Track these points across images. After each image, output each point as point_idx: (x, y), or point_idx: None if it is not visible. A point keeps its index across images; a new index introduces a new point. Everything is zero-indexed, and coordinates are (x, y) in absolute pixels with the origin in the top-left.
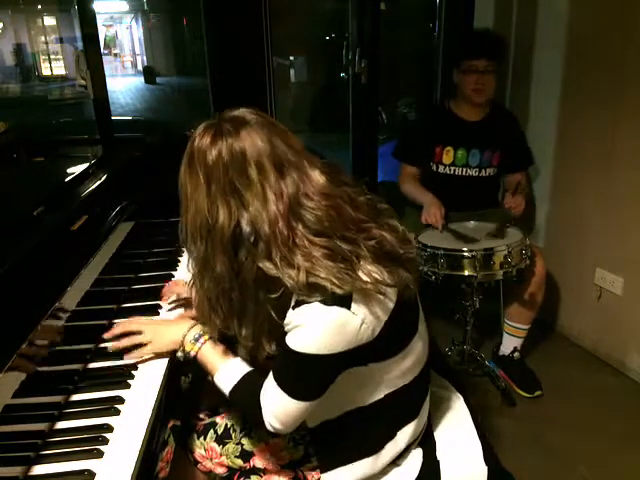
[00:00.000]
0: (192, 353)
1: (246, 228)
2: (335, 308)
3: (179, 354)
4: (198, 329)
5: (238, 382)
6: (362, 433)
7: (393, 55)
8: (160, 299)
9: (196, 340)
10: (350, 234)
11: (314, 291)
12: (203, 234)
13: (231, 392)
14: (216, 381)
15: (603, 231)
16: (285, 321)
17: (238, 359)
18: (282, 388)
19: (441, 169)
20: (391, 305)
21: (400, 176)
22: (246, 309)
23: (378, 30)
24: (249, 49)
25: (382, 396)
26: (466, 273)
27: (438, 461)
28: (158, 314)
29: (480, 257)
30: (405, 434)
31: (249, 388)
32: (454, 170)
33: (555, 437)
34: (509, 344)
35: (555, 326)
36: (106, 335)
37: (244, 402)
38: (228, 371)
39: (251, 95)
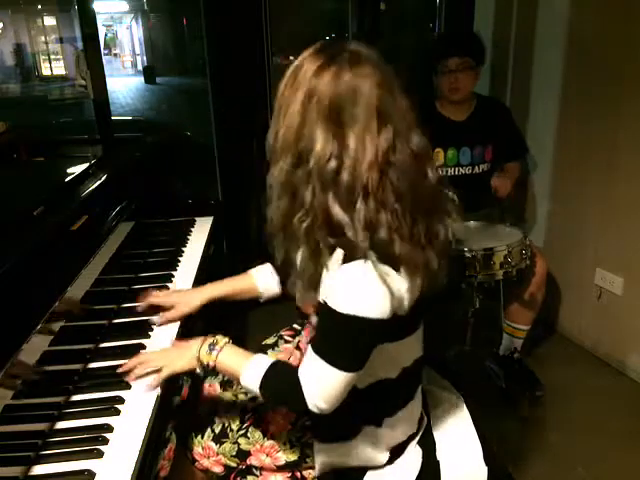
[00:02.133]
0: (211, 363)
1: (333, 164)
2: (386, 267)
3: (198, 370)
4: (210, 340)
5: (266, 373)
6: (350, 413)
7: (393, 55)
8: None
9: (211, 350)
10: (418, 213)
11: (368, 249)
12: (295, 153)
13: (262, 385)
14: (242, 382)
15: (603, 231)
16: (330, 278)
17: (259, 354)
18: (324, 358)
19: None
20: (419, 283)
21: None
22: (308, 242)
23: (378, 30)
24: (249, 49)
25: (372, 381)
26: (466, 273)
27: (438, 461)
28: (158, 314)
29: (480, 257)
30: (392, 423)
31: (282, 374)
32: (446, 171)
33: (555, 437)
34: (509, 344)
35: (555, 326)
36: (120, 370)
37: (280, 390)
38: (252, 367)
39: (251, 95)
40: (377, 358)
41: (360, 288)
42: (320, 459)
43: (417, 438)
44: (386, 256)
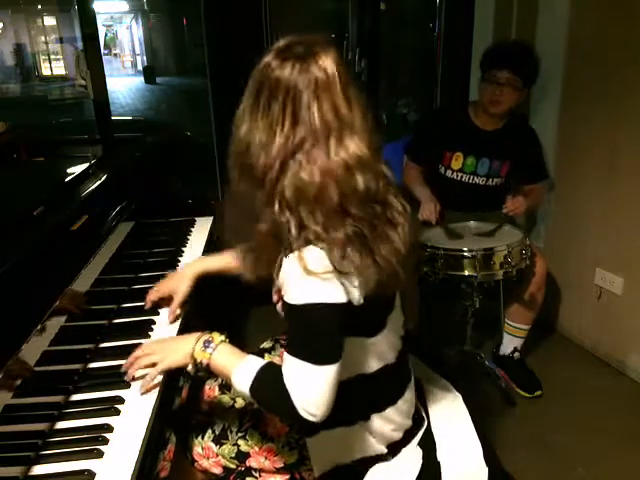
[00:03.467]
0: (204, 361)
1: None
2: (334, 249)
3: (190, 368)
4: (206, 336)
5: (256, 376)
6: (345, 403)
7: (393, 55)
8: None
9: (206, 347)
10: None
11: (307, 242)
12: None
13: (252, 388)
14: (234, 383)
15: (603, 231)
16: (280, 274)
17: (252, 356)
18: (300, 356)
19: (449, 174)
20: (375, 277)
21: (405, 172)
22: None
23: (378, 30)
24: (249, 49)
25: (351, 376)
26: (466, 273)
27: (439, 462)
28: (158, 314)
29: (480, 257)
30: (382, 419)
31: (271, 380)
32: (461, 176)
33: (555, 437)
34: (509, 344)
35: (555, 326)
36: (123, 368)
37: (269, 395)
38: (244, 368)
39: None
40: (358, 353)
41: (306, 275)
42: (315, 455)
43: (417, 439)
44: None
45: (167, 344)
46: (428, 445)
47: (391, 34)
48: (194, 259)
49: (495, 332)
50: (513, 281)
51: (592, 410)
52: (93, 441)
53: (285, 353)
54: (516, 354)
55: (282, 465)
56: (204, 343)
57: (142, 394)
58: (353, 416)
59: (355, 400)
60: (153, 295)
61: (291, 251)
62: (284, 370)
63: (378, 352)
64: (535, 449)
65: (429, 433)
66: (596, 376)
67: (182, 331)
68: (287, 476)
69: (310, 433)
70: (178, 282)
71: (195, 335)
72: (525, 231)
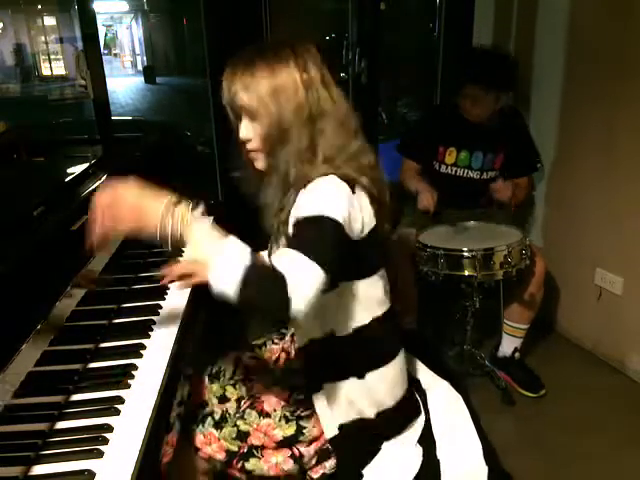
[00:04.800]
0: (172, 231)
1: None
2: (344, 184)
3: (157, 232)
4: (184, 205)
5: (248, 268)
6: (333, 361)
7: (393, 55)
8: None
9: (171, 212)
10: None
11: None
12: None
13: (242, 282)
14: (215, 274)
15: (603, 231)
16: (298, 201)
17: (235, 241)
18: (305, 252)
19: (443, 169)
20: (374, 222)
21: (401, 169)
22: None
23: (378, 30)
24: None
25: (350, 331)
26: (466, 273)
27: (438, 460)
28: (158, 314)
29: (480, 257)
30: (376, 378)
31: (263, 269)
32: (456, 171)
33: (555, 437)
34: (509, 345)
35: (555, 326)
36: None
37: (262, 287)
38: (229, 260)
39: None
40: (350, 300)
41: (321, 192)
42: (321, 411)
43: (417, 436)
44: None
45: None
46: (428, 443)
47: (391, 34)
48: None
49: (495, 332)
50: (513, 281)
51: (592, 410)
52: (93, 441)
53: (281, 248)
54: (516, 354)
55: (281, 438)
56: (182, 210)
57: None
58: (348, 371)
59: (350, 355)
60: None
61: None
62: (279, 260)
63: (370, 300)
64: (535, 449)
65: (429, 431)
66: (596, 376)
67: (182, 331)
68: (287, 452)
69: (315, 385)
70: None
71: (164, 196)
72: (525, 231)
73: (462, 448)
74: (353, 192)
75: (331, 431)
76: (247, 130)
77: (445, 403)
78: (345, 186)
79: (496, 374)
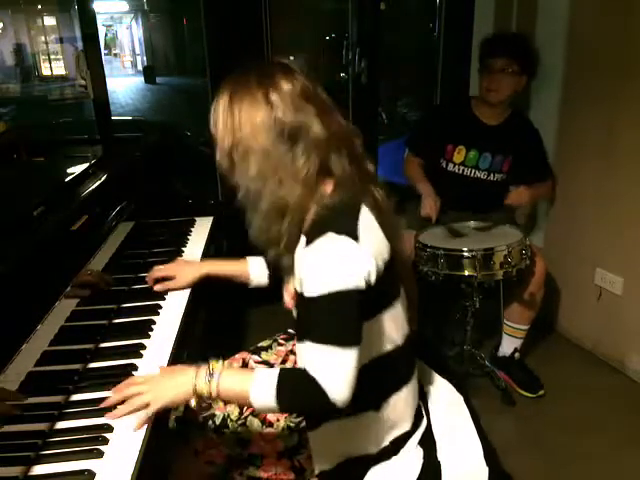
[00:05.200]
0: (213, 394)
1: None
2: (344, 237)
3: (193, 404)
4: (205, 368)
5: (279, 382)
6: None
7: (393, 55)
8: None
9: (211, 377)
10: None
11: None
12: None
13: (278, 397)
14: (253, 401)
15: (603, 231)
16: (299, 265)
17: (259, 369)
18: (328, 342)
19: (450, 167)
20: (387, 253)
21: (406, 164)
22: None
23: (378, 30)
24: (249, 49)
25: (367, 361)
26: (466, 273)
27: (439, 462)
28: (158, 314)
29: (480, 257)
30: (390, 406)
31: (294, 378)
32: (463, 170)
33: (555, 437)
34: (510, 345)
35: (555, 326)
36: (103, 405)
37: (298, 394)
38: (261, 383)
39: None
40: (372, 332)
41: (326, 265)
42: (317, 450)
43: (417, 438)
44: (346, 225)
45: (160, 382)
46: (429, 445)
47: (391, 34)
48: (205, 261)
49: (495, 332)
50: (513, 281)
51: (592, 410)
52: (93, 441)
53: (305, 343)
54: (516, 355)
55: (282, 449)
56: (206, 375)
57: (135, 431)
58: (364, 404)
59: (367, 387)
60: (157, 273)
61: (310, 242)
62: (308, 361)
63: (389, 330)
64: (535, 449)
65: (430, 433)
66: (596, 376)
67: (182, 332)
68: (288, 464)
69: (312, 426)
70: (186, 272)
71: (190, 369)
72: (525, 231)
73: (462, 449)
74: (357, 238)
75: (324, 466)
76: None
77: (446, 404)
78: (346, 243)
79: (496, 374)
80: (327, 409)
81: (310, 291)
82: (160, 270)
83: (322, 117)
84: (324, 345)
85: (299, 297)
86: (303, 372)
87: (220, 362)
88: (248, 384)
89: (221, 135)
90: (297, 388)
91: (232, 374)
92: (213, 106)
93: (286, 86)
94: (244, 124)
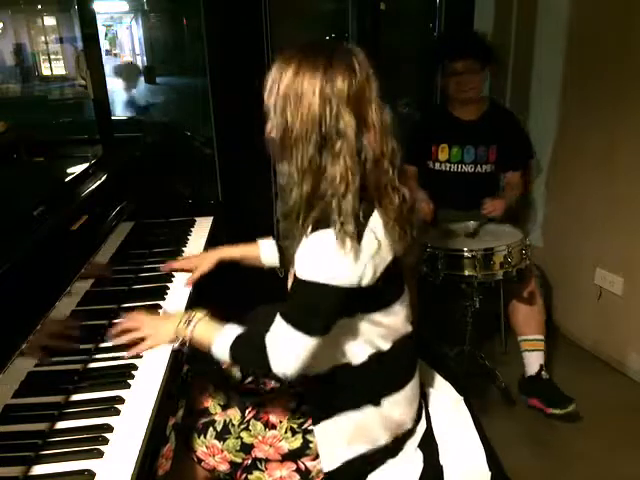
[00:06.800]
0: (187, 336)
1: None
2: (347, 239)
3: (175, 345)
4: (189, 315)
5: (237, 337)
6: (348, 390)
7: (393, 55)
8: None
9: (188, 323)
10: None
11: (329, 220)
12: (317, 137)
13: (231, 353)
14: (214, 350)
15: (603, 231)
16: (299, 248)
17: (229, 325)
18: (291, 323)
19: (437, 166)
20: (389, 258)
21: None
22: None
23: (378, 30)
24: (249, 49)
25: (366, 358)
26: (466, 273)
27: (441, 465)
28: (158, 314)
29: (480, 257)
30: (391, 404)
31: (249, 341)
32: (449, 167)
33: (555, 437)
34: (533, 363)
35: (555, 326)
36: (109, 334)
37: (248, 353)
38: (224, 336)
39: (251, 95)
40: (370, 329)
41: (323, 256)
42: (323, 443)
43: (417, 441)
44: (343, 228)
45: (157, 322)
46: (430, 448)
47: (391, 34)
48: (218, 248)
49: (495, 332)
50: (513, 281)
51: (592, 410)
52: (93, 441)
53: (278, 315)
54: (543, 372)
55: (287, 451)
56: (186, 320)
57: (127, 357)
58: (364, 399)
59: (367, 383)
60: (177, 264)
61: (314, 230)
62: (271, 329)
63: (391, 326)
64: (535, 449)
65: (431, 436)
66: (596, 376)
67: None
68: (293, 466)
69: (318, 420)
70: (202, 260)
71: (180, 314)
72: (525, 231)
73: (465, 453)
74: (359, 241)
75: (331, 465)
76: (269, 127)
77: (446, 405)
78: (346, 243)
79: (496, 374)
80: (266, 374)
81: (299, 272)
82: (179, 263)
83: (362, 128)
84: (287, 324)
85: (294, 278)
86: (261, 337)
87: (202, 313)
88: (214, 335)
89: (275, 109)
90: (249, 349)
91: (206, 324)
92: (273, 75)
93: (342, 84)
94: (302, 111)
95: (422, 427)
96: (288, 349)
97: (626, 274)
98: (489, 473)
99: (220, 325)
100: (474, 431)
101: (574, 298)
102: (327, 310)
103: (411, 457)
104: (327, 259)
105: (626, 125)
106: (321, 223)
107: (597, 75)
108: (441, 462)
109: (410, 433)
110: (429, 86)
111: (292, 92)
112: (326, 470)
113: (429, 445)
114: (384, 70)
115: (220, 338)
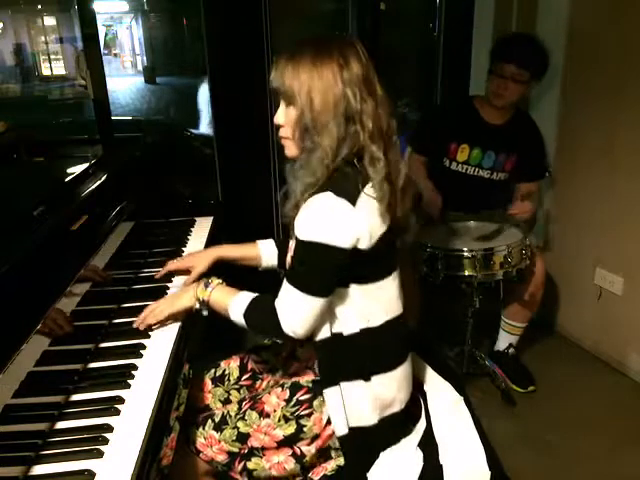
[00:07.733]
0: (205, 298)
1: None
2: (342, 199)
3: (196, 306)
4: (206, 280)
5: (248, 305)
6: (342, 360)
7: (393, 55)
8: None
9: (206, 286)
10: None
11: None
12: (339, 114)
13: (245, 317)
14: (230, 313)
15: (603, 231)
16: (299, 214)
17: (244, 292)
18: (295, 285)
19: (453, 166)
20: (384, 227)
21: (409, 159)
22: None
23: (378, 30)
24: (249, 49)
25: (357, 330)
26: (466, 273)
27: (441, 465)
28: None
29: (480, 257)
30: (381, 382)
31: (261, 306)
32: (466, 169)
33: (555, 437)
34: (505, 341)
35: (555, 326)
36: (135, 325)
37: (260, 317)
38: (239, 300)
39: (251, 95)
40: (361, 301)
41: (321, 216)
42: (332, 408)
43: (417, 440)
44: (347, 190)
45: (172, 296)
46: (430, 448)
47: (391, 34)
48: (215, 247)
49: (495, 332)
50: (513, 281)
51: (592, 410)
52: (93, 441)
53: (284, 283)
54: (511, 350)
55: (282, 438)
56: (204, 284)
57: (142, 327)
58: (355, 372)
59: (359, 355)
60: (173, 266)
61: (320, 191)
62: (279, 294)
63: (383, 302)
64: (535, 449)
65: (431, 436)
66: (596, 376)
67: (181, 333)
68: (289, 452)
69: (326, 385)
70: (199, 260)
71: (196, 283)
72: (525, 231)
73: (465, 452)
74: (354, 204)
75: (341, 429)
76: (281, 116)
77: (446, 404)
78: (342, 204)
79: (496, 374)
80: (279, 336)
81: (299, 233)
82: (175, 264)
83: (376, 109)
84: (293, 287)
85: (295, 241)
86: (271, 302)
87: (219, 280)
88: (230, 300)
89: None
90: (261, 313)
91: (223, 289)
92: (285, 62)
93: (357, 69)
94: (320, 92)
95: (422, 426)
96: (294, 309)
97: (626, 274)
98: (489, 473)
99: (236, 290)
100: (474, 431)
101: (574, 298)
102: (326, 270)
103: (411, 456)
104: (325, 219)
105: (627, 125)
106: (320, 188)
107: (597, 74)
108: (441, 462)
109: (408, 430)
110: (429, 86)
111: (314, 79)
112: (339, 434)
113: (429, 445)
114: (384, 70)
115: (235, 303)
